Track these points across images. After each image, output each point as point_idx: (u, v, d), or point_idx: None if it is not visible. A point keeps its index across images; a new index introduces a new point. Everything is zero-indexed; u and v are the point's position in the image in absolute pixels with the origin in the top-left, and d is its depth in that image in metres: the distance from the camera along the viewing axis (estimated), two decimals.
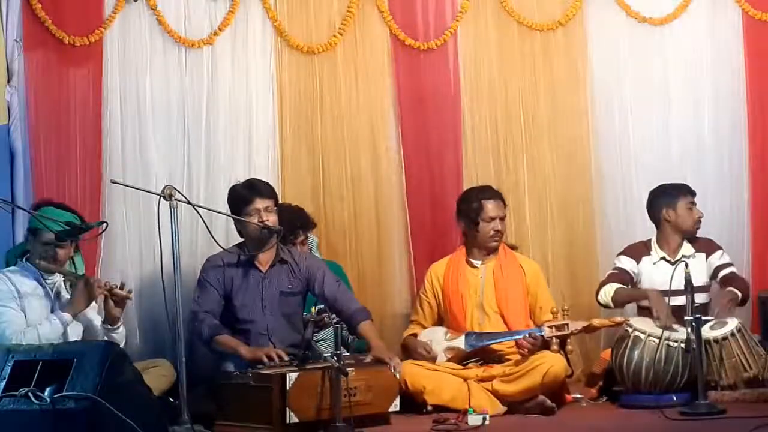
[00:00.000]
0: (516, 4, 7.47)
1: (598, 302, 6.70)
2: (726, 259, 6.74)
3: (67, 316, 5.56)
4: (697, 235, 6.77)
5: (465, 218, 6.55)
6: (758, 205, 7.70)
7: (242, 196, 6.15)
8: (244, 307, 6.14)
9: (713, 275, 6.71)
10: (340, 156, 7.12)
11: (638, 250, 6.77)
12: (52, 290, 5.66)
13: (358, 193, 7.15)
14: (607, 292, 6.61)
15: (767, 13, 7.71)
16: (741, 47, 7.74)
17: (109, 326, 5.72)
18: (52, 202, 5.78)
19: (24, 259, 5.69)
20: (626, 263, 6.73)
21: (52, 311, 5.58)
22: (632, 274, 6.72)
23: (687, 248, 6.70)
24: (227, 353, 5.96)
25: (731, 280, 6.65)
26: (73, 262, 5.81)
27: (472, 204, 6.52)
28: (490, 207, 6.49)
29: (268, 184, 6.32)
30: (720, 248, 6.78)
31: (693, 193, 6.78)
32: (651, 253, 6.73)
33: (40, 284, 5.62)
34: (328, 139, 7.11)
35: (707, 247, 6.75)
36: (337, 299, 6.16)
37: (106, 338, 5.67)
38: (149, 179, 6.63)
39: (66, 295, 5.70)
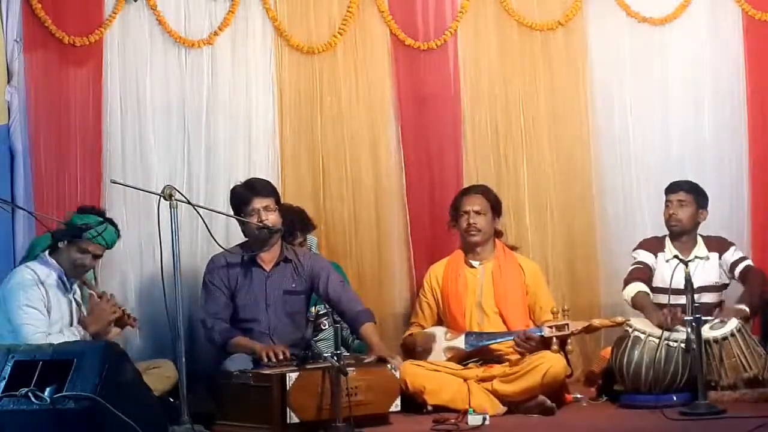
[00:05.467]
0: (516, 4, 7.47)
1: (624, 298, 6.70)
2: (739, 254, 6.76)
3: (84, 332, 5.63)
4: (710, 234, 6.78)
5: (451, 217, 6.65)
6: (758, 205, 7.69)
7: (241, 196, 6.17)
8: (246, 305, 6.15)
9: (730, 272, 6.71)
10: (340, 156, 7.12)
11: (654, 245, 6.75)
12: (70, 288, 5.71)
13: (358, 193, 7.15)
14: (629, 293, 6.58)
15: (767, 13, 7.71)
16: (741, 47, 7.73)
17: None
18: (100, 211, 5.84)
19: (47, 253, 5.70)
20: (645, 257, 6.71)
21: (71, 317, 5.65)
22: (652, 268, 6.69)
23: (701, 249, 6.70)
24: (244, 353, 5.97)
25: (748, 273, 6.65)
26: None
27: (454, 202, 6.65)
28: (465, 200, 6.58)
29: (268, 182, 6.33)
30: (732, 244, 6.79)
31: (676, 190, 6.73)
32: (665, 250, 6.72)
33: (60, 279, 5.67)
34: (328, 139, 7.11)
35: (719, 246, 6.75)
36: (341, 300, 6.16)
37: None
38: (149, 179, 6.63)
39: (80, 299, 5.76)
